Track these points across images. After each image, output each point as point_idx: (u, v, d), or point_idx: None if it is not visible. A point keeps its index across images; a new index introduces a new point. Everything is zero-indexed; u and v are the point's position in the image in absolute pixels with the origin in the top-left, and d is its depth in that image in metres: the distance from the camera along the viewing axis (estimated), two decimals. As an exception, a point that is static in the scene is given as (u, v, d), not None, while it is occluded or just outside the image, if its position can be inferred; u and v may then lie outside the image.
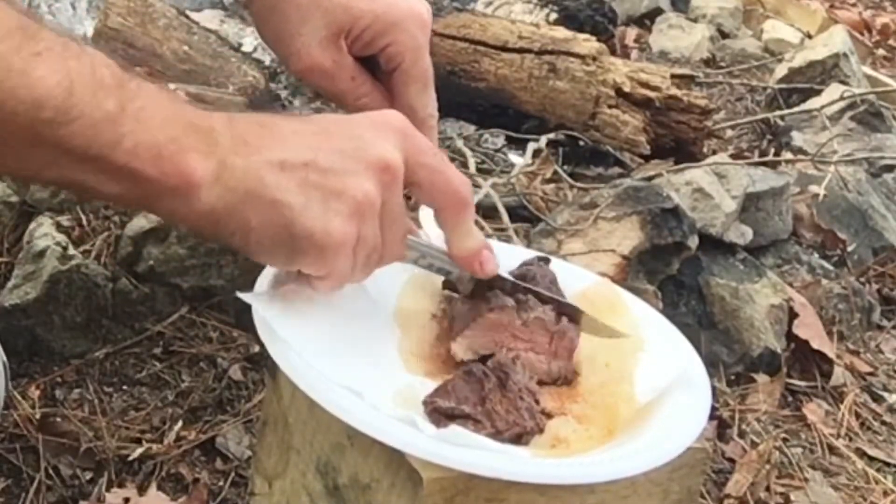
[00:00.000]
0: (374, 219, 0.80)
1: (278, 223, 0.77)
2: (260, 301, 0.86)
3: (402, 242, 0.86)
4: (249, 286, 0.89)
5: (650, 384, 0.88)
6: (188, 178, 0.75)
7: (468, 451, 0.77)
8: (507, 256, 1.00)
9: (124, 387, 1.44)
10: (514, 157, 2.08)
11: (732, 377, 1.73)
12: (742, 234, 1.87)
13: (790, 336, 1.80)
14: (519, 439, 0.82)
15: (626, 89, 2.14)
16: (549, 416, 0.86)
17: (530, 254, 1.03)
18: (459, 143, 1.98)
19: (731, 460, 1.55)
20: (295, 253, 0.79)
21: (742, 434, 1.61)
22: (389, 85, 0.98)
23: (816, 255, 2.03)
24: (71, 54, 0.72)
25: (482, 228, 1.64)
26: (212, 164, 0.76)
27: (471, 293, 0.92)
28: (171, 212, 0.77)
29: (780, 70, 2.86)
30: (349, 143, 0.80)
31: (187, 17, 2.16)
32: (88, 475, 1.30)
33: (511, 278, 0.93)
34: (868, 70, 3.08)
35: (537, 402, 0.86)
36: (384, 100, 0.98)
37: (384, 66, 0.97)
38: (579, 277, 1.03)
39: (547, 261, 0.99)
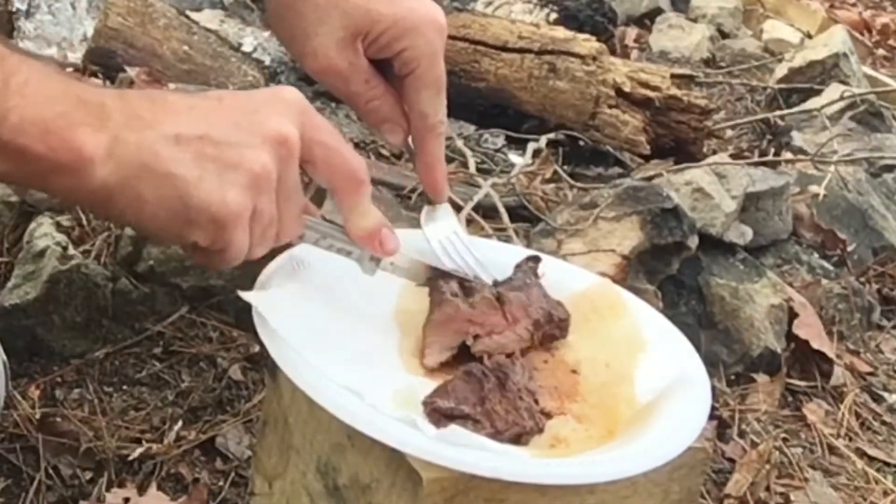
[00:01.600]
0: (271, 192, 0.79)
1: (173, 196, 0.76)
2: (260, 300, 0.86)
3: (299, 219, 0.85)
4: (249, 286, 0.89)
5: (650, 384, 0.88)
6: (78, 153, 0.74)
7: (468, 451, 0.77)
8: (507, 256, 1.01)
9: (124, 387, 1.44)
10: (514, 157, 2.08)
11: (732, 377, 1.73)
12: (742, 234, 1.87)
13: (790, 336, 1.80)
14: (518, 439, 0.82)
15: (626, 89, 2.15)
16: (548, 415, 0.86)
17: (528, 253, 1.03)
18: (459, 143, 1.98)
19: (731, 460, 1.55)
20: (191, 226, 0.78)
21: (742, 434, 1.61)
22: (401, 89, 0.97)
23: (816, 255, 2.03)
24: None
25: (482, 228, 1.64)
26: (103, 139, 0.75)
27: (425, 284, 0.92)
28: (63, 189, 0.76)
29: (780, 70, 2.86)
30: (245, 117, 0.79)
31: (187, 17, 2.16)
32: (88, 475, 1.30)
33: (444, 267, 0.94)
34: (868, 70, 3.08)
35: (537, 402, 0.86)
36: (395, 103, 0.98)
37: (398, 70, 0.97)
38: (579, 278, 1.03)
39: (537, 259, 0.99)
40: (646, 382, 0.89)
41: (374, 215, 0.87)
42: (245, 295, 0.86)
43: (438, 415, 0.80)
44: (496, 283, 0.95)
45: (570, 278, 1.01)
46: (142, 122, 0.76)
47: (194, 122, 0.78)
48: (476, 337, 0.88)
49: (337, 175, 0.84)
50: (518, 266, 0.97)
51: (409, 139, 0.99)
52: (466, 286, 0.92)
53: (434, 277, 0.93)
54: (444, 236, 0.94)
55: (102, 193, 0.76)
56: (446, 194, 1.00)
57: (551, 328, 0.92)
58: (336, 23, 0.95)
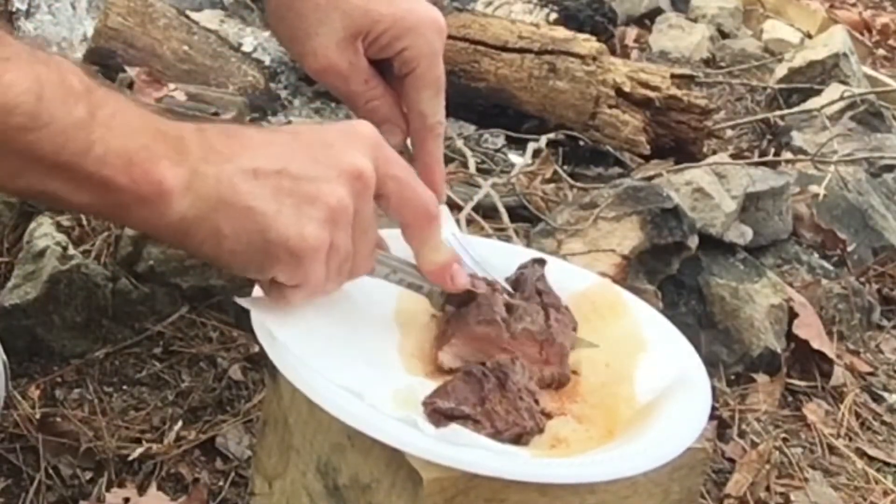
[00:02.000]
0: (348, 227, 0.80)
1: (252, 230, 0.77)
2: (257, 305, 0.86)
3: (372, 254, 0.85)
4: (250, 287, 0.89)
5: (650, 385, 0.88)
6: (159, 185, 0.74)
7: (468, 451, 0.77)
8: (507, 256, 1.01)
9: (124, 387, 1.44)
10: (514, 157, 2.08)
11: (732, 377, 1.73)
12: (742, 234, 1.87)
13: (790, 336, 1.80)
14: (519, 439, 0.82)
15: (626, 89, 2.15)
16: (548, 416, 0.86)
17: (529, 253, 1.03)
18: (459, 143, 1.98)
19: (731, 460, 1.55)
20: (269, 260, 0.78)
21: (742, 434, 1.61)
22: (401, 89, 0.98)
23: (816, 255, 2.03)
24: (39, 60, 0.71)
25: (482, 228, 1.64)
26: (183, 172, 0.75)
27: (462, 302, 0.92)
28: (142, 221, 0.77)
29: (780, 70, 2.86)
30: (321, 151, 0.80)
31: (187, 17, 2.16)
32: (88, 475, 1.30)
33: (486, 288, 0.93)
34: (868, 70, 3.08)
35: (537, 402, 0.85)
36: (395, 104, 0.98)
37: (398, 70, 0.97)
38: (580, 278, 1.03)
39: (543, 262, 0.99)
40: (646, 382, 0.89)
41: (445, 250, 0.88)
42: (242, 301, 0.86)
43: (439, 415, 0.80)
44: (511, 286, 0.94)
45: (570, 278, 1.01)
46: (220, 156, 0.77)
47: (272, 157, 0.78)
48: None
49: (409, 210, 0.84)
50: (523, 268, 0.97)
51: (408, 141, 0.99)
52: (512, 310, 0.91)
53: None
54: (444, 238, 0.94)
55: (181, 226, 0.76)
56: (444, 195, 1.00)
57: (563, 379, 0.92)
58: (336, 23, 0.95)
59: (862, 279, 2.04)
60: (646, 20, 3.33)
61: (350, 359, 0.85)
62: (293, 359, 0.82)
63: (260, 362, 1.46)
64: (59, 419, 1.35)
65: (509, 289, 0.94)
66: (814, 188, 2.13)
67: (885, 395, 1.82)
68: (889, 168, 2.37)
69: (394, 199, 0.83)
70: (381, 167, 0.81)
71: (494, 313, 0.89)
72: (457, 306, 0.91)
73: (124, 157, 0.73)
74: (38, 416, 1.35)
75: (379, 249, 0.87)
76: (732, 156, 2.26)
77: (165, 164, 0.74)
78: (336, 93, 1.00)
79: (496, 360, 0.87)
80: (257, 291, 0.89)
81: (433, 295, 0.90)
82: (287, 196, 0.77)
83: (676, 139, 2.20)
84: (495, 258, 0.99)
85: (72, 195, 0.74)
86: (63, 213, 1.53)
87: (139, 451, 1.33)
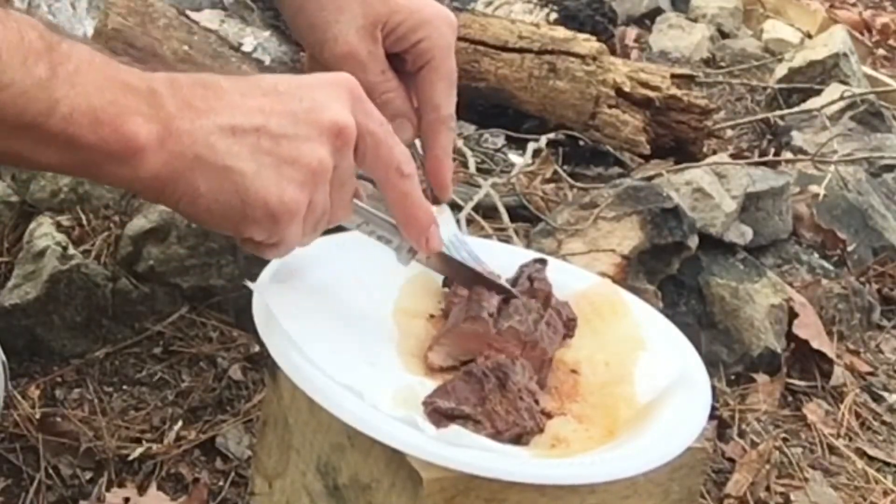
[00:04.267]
0: (326, 185, 0.78)
1: (230, 190, 0.75)
2: (266, 291, 0.86)
3: (350, 204, 0.84)
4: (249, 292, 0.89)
5: (650, 384, 0.88)
6: (130, 142, 0.72)
7: (469, 452, 0.77)
8: (507, 257, 1.01)
9: (124, 387, 1.44)
10: (514, 157, 2.08)
11: (732, 377, 1.73)
12: (742, 234, 1.87)
13: (790, 336, 1.80)
14: (519, 439, 0.82)
15: (626, 89, 2.15)
16: (548, 416, 0.86)
17: (530, 255, 1.03)
18: (459, 143, 1.98)
19: (731, 460, 1.55)
20: (246, 220, 0.77)
21: (742, 434, 1.61)
22: (413, 84, 0.97)
23: (816, 255, 2.03)
24: None
25: (482, 228, 1.64)
26: (155, 128, 0.73)
27: (466, 280, 0.92)
28: (115, 178, 0.74)
29: (780, 70, 2.86)
30: (301, 105, 0.77)
31: (187, 17, 2.16)
32: (88, 475, 1.30)
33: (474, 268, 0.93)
34: (868, 70, 3.08)
35: (537, 402, 0.85)
36: (407, 99, 0.98)
37: (412, 63, 0.97)
38: (580, 278, 1.03)
39: (544, 262, 0.99)
40: (646, 382, 0.89)
41: (427, 209, 0.86)
42: (253, 284, 0.87)
43: (439, 415, 0.80)
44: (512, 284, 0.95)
45: (570, 278, 1.01)
46: (195, 111, 0.75)
47: (250, 112, 0.76)
48: (487, 357, 0.88)
49: (381, 166, 0.82)
50: (524, 267, 0.97)
51: (416, 141, 0.99)
52: (503, 308, 0.91)
53: (479, 284, 0.93)
54: (445, 238, 0.94)
55: (155, 184, 0.74)
56: (451, 191, 0.99)
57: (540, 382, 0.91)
58: (357, 10, 0.96)
59: (862, 279, 2.04)
60: (646, 20, 3.33)
61: (351, 357, 0.85)
62: (294, 355, 0.82)
63: (260, 362, 1.46)
64: (59, 419, 1.35)
65: (509, 288, 0.94)
66: (814, 188, 2.13)
67: (885, 395, 1.82)
68: (889, 168, 2.37)
69: (369, 155, 0.81)
70: (361, 121, 0.79)
71: (482, 309, 0.89)
72: (464, 285, 0.91)
73: (90, 114, 0.71)
74: (38, 416, 1.35)
75: (355, 198, 0.85)
76: (732, 156, 2.26)
77: (137, 121, 0.72)
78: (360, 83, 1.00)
79: (496, 359, 0.87)
80: (262, 281, 0.89)
81: (401, 251, 0.89)
82: (266, 155, 0.75)
83: (676, 139, 2.20)
84: (496, 259, 0.99)
85: (39, 156, 0.72)
86: (63, 212, 1.53)
87: (139, 451, 1.33)
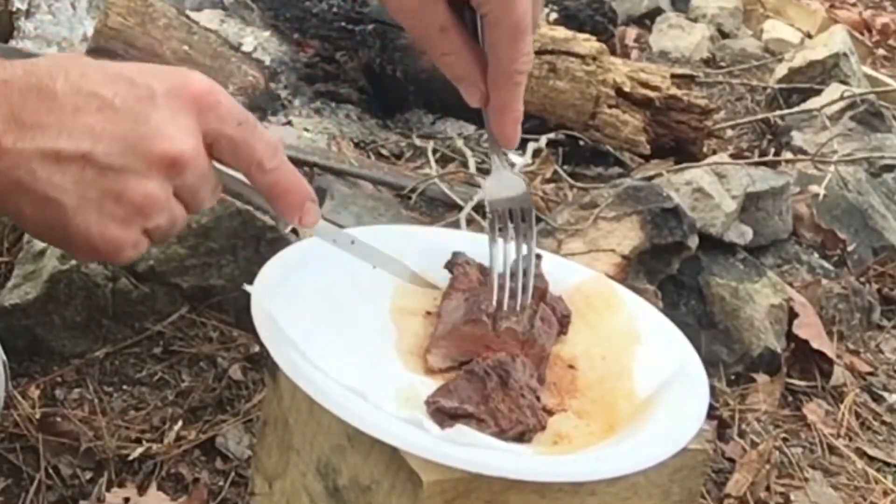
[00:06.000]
0: (163, 210, 0.74)
1: (52, 219, 0.72)
2: (263, 293, 0.86)
3: (213, 197, 0.80)
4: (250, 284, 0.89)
5: (649, 379, 0.88)
6: None
7: (475, 451, 0.77)
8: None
9: (124, 387, 1.44)
10: (514, 157, 2.08)
11: (732, 377, 1.73)
12: (742, 234, 1.87)
13: (790, 336, 1.80)
14: (521, 437, 0.82)
15: (626, 89, 2.15)
16: (549, 412, 0.86)
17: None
18: (459, 143, 1.98)
19: (731, 460, 1.55)
20: (72, 248, 0.74)
21: (742, 434, 1.61)
22: (485, 39, 0.91)
23: (816, 255, 2.03)
24: None
25: (482, 228, 1.64)
26: None
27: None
28: None
29: (780, 70, 2.86)
30: (135, 130, 0.72)
31: (187, 17, 2.16)
32: (88, 475, 1.30)
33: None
34: (868, 70, 3.08)
35: (538, 399, 0.85)
36: (474, 63, 0.91)
37: (477, 13, 0.89)
38: (574, 272, 1.04)
39: (539, 257, 0.99)
40: (644, 376, 0.89)
41: (299, 188, 0.81)
42: (250, 287, 0.87)
43: (442, 414, 0.80)
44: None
45: (564, 273, 1.01)
46: (20, 127, 0.70)
47: (79, 133, 0.71)
48: (484, 358, 0.88)
49: (242, 165, 0.79)
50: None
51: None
52: (501, 311, 0.90)
53: (478, 285, 0.93)
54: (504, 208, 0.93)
55: None
56: (516, 142, 0.94)
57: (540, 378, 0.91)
58: None
59: (862, 279, 2.04)
60: (646, 20, 3.33)
61: (351, 358, 0.85)
62: (295, 357, 0.82)
63: (260, 362, 1.46)
64: (59, 419, 1.35)
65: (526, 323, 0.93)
66: (814, 188, 2.13)
67: (885, 395, 1.82)
68: (889, 168, 2.37)
69: (227, 157, 0.78)
70: (213, 127, 0.75)
71: (480, 312, 0.89)
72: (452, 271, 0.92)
73: None
74: (38, 416, 1.35)
75: (225, 172, 0.81)
76: (732, 156, 2.26)
77: None
78: (414, 37, 0.93)
79: (497, 357, 0.87)
80: (259, 282, 0.89)
81: (279, 220, 0.86)
82: (89, 187, 0.71)
83: (676, 139, 2.20)
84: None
85: None
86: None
87: (139, 451, 1.33)
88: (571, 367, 0.91)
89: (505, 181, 0.94)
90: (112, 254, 0.74)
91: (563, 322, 0.95)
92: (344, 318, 0.90)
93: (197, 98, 0.75)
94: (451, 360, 0.89)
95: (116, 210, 0.72)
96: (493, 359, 0.86)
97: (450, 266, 0.95)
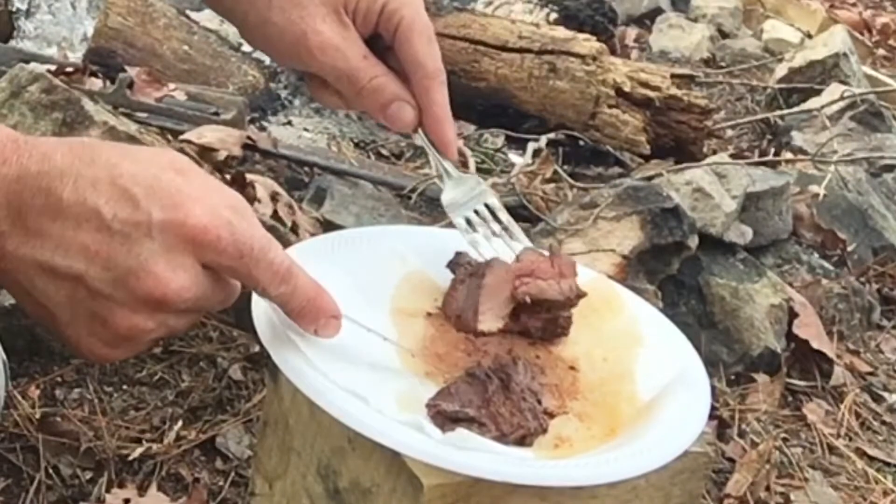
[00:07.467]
0: (151, 333, 0.76)
1: (47, 322, 0.76)
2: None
3: (228, 299, 0.79)
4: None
5: (650, 382, 0.88)
6: None
7: (477, 455, 0.77)
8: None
9: (124, 387, 1.44)
10: (514, 157, 2.08)
11: (732, 377, 1.73)
12: (742, 234, 1.87)
13: (790, 336, 1.80)
14: (523, 441, 0.82)
15: (626, 89, 2.15)
16: (550, 414, 0.86)
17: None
18: (459, 143, 1.98)
19: (731, 460, 1.55)
20: (68, 347, 0.78)
21: (742, 434, 1.61)
22: (398, 56, 0.95)
23: (816, 255, 2.03)
24: None
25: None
26: None
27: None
28: None
29: (780, 70, 2.86)
30: (124, 264, 0.72)
31: (187, 17, 2.16)
32: (88, 475, 1.30)
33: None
34: (868, 70, 3.08)
35: (539, 402, 0.85)
36: (398, 82, 0.95)
37: (386, 31, 0.95)
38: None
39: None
40: (646, 379, 0.89)
41: (315, 301, 0.81)
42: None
43: (443, 418, 0.80)
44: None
45: None
46: (24, 232, 0.72)
47: (74, 253, 0.72)
48: (524, 283, 0.89)
49: (253, 288, 0.79)
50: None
51: (419, 132, 0.97)
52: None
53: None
54: (469, 210, 0.94)
55: None
56: (455, 148, 0.97)
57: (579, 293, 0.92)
58: (316, 0, 0.95)
59: (862, 279, 2.04)
60: (646, 20, 3.33)
61: (351, 359, 0.85)
62: (296, 361, 0.81)
63: (260, 362, 1.46)
64: (59, 419, 1.35)
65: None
66: (814, 188, 2.13)
67: (885, 395, 1.82)
68: (889, 168, 2.37)
69: (237, 285, 0.78)
70: (211, 260, 0.74)
71: (493, 260, 0.92)
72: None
73: None
74: (38, 416, 1.34)
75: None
76: (732, 156, 2.26)
77: None
78: (339, 76, 0.96)
79: (499, 360, 0.87)
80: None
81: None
82: (80, 305, 0.74)
83: (676, 139, 2.20)
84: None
85: None
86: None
87: (139, 451, 1.33)
88: (573, 368, 0.91)
89: (459, 185, 0.98)
90: (101, 361, 0.77)
91: (565, 324, 0.95)
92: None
93: (192, 236, 0.73)
94: (498, 318, 0.89)
95: (104, 333, 0.75)
96: (495, 361, 0.86)
97: (453, 266, 0.95)
